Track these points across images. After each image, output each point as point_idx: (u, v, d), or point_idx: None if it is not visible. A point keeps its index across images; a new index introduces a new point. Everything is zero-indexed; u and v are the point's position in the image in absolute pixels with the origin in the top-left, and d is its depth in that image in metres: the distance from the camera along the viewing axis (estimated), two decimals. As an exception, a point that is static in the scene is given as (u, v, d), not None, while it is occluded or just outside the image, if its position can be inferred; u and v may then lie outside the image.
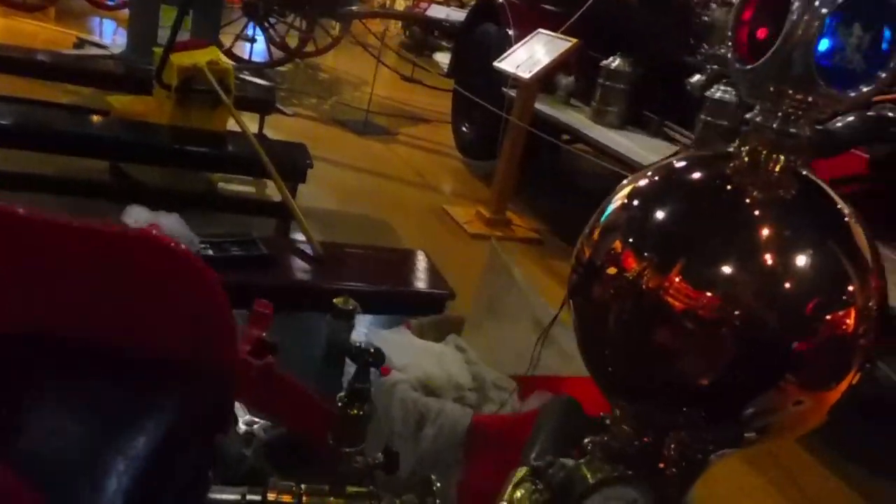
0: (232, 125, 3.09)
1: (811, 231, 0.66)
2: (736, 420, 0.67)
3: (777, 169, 0.69)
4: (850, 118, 2.12)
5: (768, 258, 0.63)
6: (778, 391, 0.64)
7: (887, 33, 0.63)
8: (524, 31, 3.79)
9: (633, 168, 2.90)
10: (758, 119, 0.70)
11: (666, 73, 3.36)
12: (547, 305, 1.67)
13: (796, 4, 0.62)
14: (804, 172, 0.69)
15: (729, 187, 0.69)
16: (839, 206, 0.69)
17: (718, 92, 2.92)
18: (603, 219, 0.73)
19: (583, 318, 0.75)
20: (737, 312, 0.62)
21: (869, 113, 2.19)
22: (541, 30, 3.63)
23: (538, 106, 3.63)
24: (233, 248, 2.23)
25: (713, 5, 3.22)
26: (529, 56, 3.48)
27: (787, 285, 0.63)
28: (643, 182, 0.73)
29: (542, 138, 3.45)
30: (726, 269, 0.63)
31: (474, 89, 4.29)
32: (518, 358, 1.50)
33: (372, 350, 1.05)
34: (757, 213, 0.66)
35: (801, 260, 0.63)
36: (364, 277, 2.38)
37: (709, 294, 0.63)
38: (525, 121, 3.44)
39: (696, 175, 0.73)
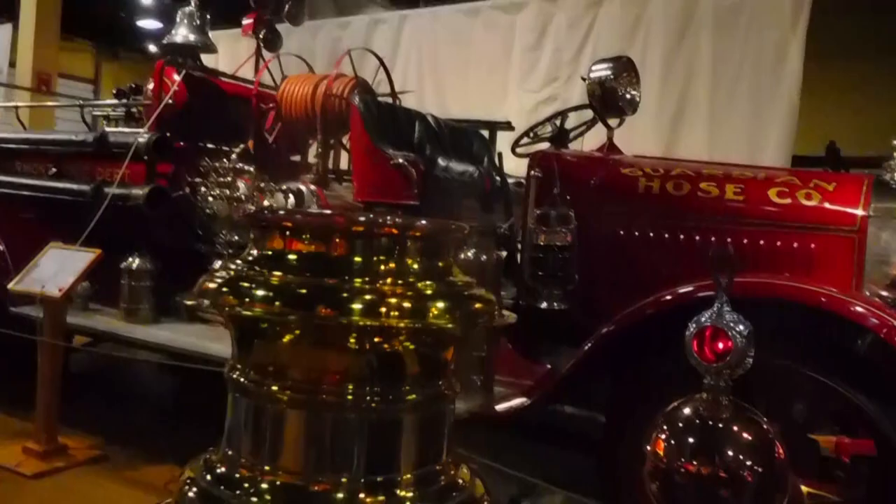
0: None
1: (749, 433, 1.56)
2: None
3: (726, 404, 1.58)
4: None
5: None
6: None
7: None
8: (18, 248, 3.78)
9: (183, 356, 3.12)
10: (710, 383, 1.57)
11: (185, 263, 3.48)
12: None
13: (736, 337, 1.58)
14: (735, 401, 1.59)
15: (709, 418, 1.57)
16: (760, 421, 1.59)
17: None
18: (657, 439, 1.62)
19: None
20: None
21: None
22: (53, 243, 3.53)
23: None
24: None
25: (211, 199, 3.46)
26: (51, 272, 3.38)
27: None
28: (674, 420, 1.62)
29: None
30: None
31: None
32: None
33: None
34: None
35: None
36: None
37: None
38: (59, 338, 3.32)
39: (688, 411, 1.62)
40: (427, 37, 6.80)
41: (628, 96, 3.09)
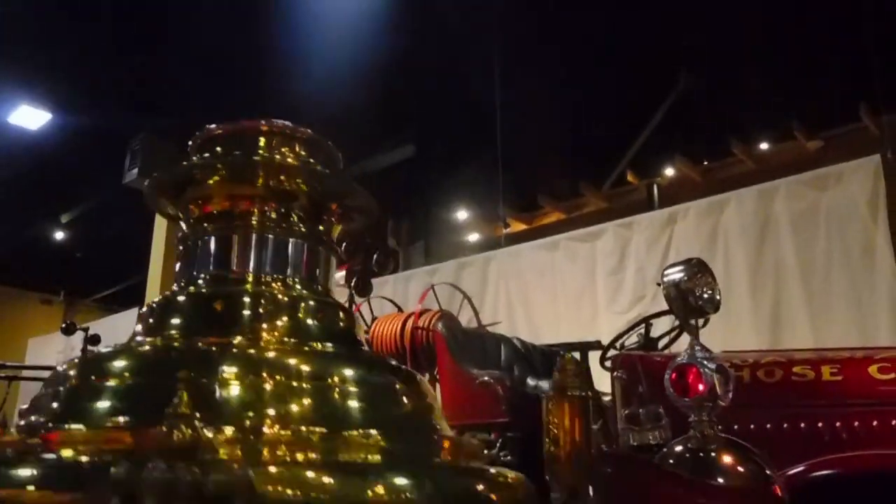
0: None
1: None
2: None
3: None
4: None
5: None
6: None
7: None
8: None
9: None
10: (704, 417, 1.87)
11: None
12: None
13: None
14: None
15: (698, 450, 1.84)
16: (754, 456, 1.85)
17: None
18: None
19: None
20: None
21: None
22: None
23: None
24: None
25: None
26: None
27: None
28: (666, 458, 1.93)
29: None
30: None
31: None
32: None
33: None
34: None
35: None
36: None
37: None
38: None
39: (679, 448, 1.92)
40: (512, 272, 7.13)
41: (706, 295, 3.10)
